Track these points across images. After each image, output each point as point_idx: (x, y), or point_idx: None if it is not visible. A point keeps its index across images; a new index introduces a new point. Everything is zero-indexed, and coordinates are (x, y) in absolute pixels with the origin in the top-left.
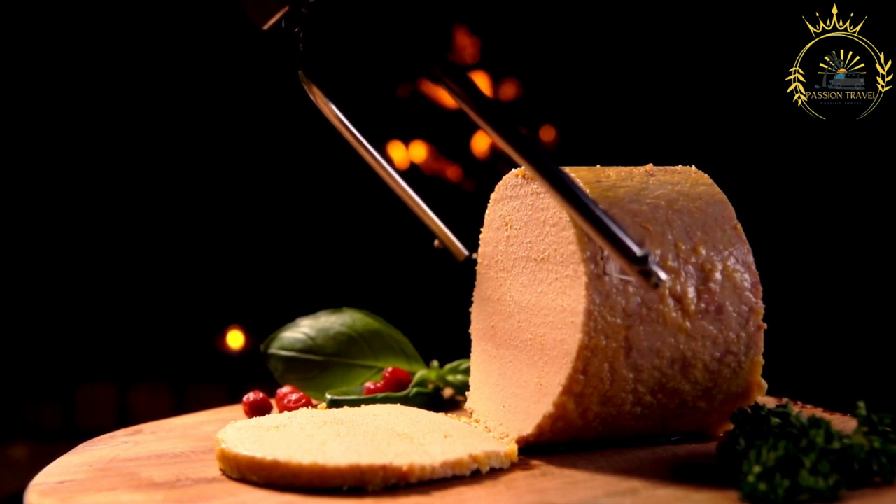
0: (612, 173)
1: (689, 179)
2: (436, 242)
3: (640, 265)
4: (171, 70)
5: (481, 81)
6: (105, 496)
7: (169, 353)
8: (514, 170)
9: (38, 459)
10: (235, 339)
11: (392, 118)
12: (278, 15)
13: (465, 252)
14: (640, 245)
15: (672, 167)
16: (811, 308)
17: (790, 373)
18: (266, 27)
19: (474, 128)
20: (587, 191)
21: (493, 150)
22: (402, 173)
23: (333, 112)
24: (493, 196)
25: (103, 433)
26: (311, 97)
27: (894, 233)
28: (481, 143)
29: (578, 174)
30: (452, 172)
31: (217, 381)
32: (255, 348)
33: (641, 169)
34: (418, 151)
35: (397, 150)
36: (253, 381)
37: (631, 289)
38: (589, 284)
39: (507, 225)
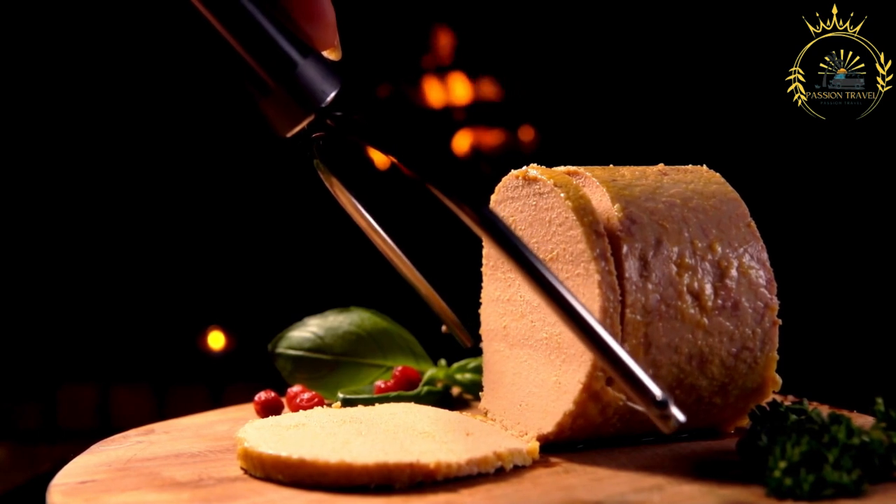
0: (627, 172)
1: (701, 178)
2: (443, 328)
3: (661, 409)
4: (160, 67)
5: (459, 81)
6: (130, 496)
7: (150, 354)
8: (513, 171)
9: (19, 460)
10: (216, 340)
11: (373, 118)
12: (302, 124)
13: (472, 341)
14: (660, 389)
15: (684, 166)
16: (810, 306)
17: (794, 370)
18: (289, 135)
19: (455, 127)
20: (604, 191)
21: (474, 149)
22: (382, 173)
23: (351, 202)
24: (493, 197)
25: (84, 434)
26: (328, 186)
27: (893, 232)
28: (462, 142)
29: (594, 173)
30: None
31: (198, 383)
32: (237, 349)
33: (654, 168)
34: None
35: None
36: (235, 382)
37: (650, 286)
38: (602, 282)
39: (510, 226)
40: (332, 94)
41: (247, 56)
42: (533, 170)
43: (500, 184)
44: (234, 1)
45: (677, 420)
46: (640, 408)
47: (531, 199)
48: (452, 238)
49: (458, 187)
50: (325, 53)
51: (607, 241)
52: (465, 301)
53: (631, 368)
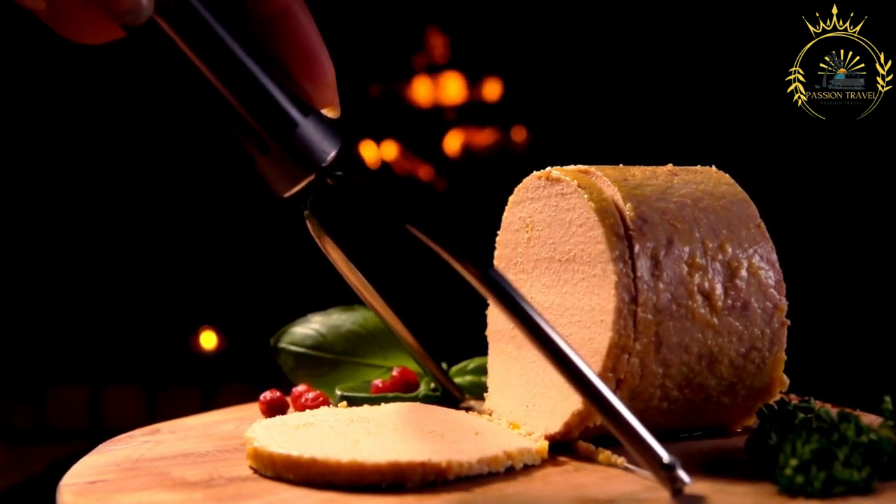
0: (637, 172)
1: (711, 179)
2: (432, 384)
3: (668, 472)
4: (154, 74)
5: (451, 81)
6: (142, 496)
7: (142, 355)
8: (535, 172)
9: (11, 461)
10: (209, 340)
11: (363, 117)
12: (302, 184)
13: (462, 398)
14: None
15: (693, 167)
16: (808, 306)
17: (799, 369)
18: (287, 195)
19: (446, 127)
20: (618, 193)
21: (465, 149)
22: (372, 172)
23: (343, 259)
24: (511, 199)
25: (76, 435)
26: (319, 243)
27: (894, 233)
28: (453, 142)
29: (605, 172)
30: (424, 172)
31: (190, 383)
32: (229, 349)
33: (664, 168)
34: (390, 151)
35: (368, 150)
36: (228, 382)
37: (661, 285)
38: (618, 283)
39: (527, 227)
40: (333, 154)
41: (246, 115)
42: (556, 171)
43: (521, 185)
44: (235, 59)
45: (683, 482)
46: (644, 471)
47: (552, 200)
48: None
49: (461, 247)
50: (324, 111)
51: (626, 244)
52: (472, 303)
53: (638, 432)
